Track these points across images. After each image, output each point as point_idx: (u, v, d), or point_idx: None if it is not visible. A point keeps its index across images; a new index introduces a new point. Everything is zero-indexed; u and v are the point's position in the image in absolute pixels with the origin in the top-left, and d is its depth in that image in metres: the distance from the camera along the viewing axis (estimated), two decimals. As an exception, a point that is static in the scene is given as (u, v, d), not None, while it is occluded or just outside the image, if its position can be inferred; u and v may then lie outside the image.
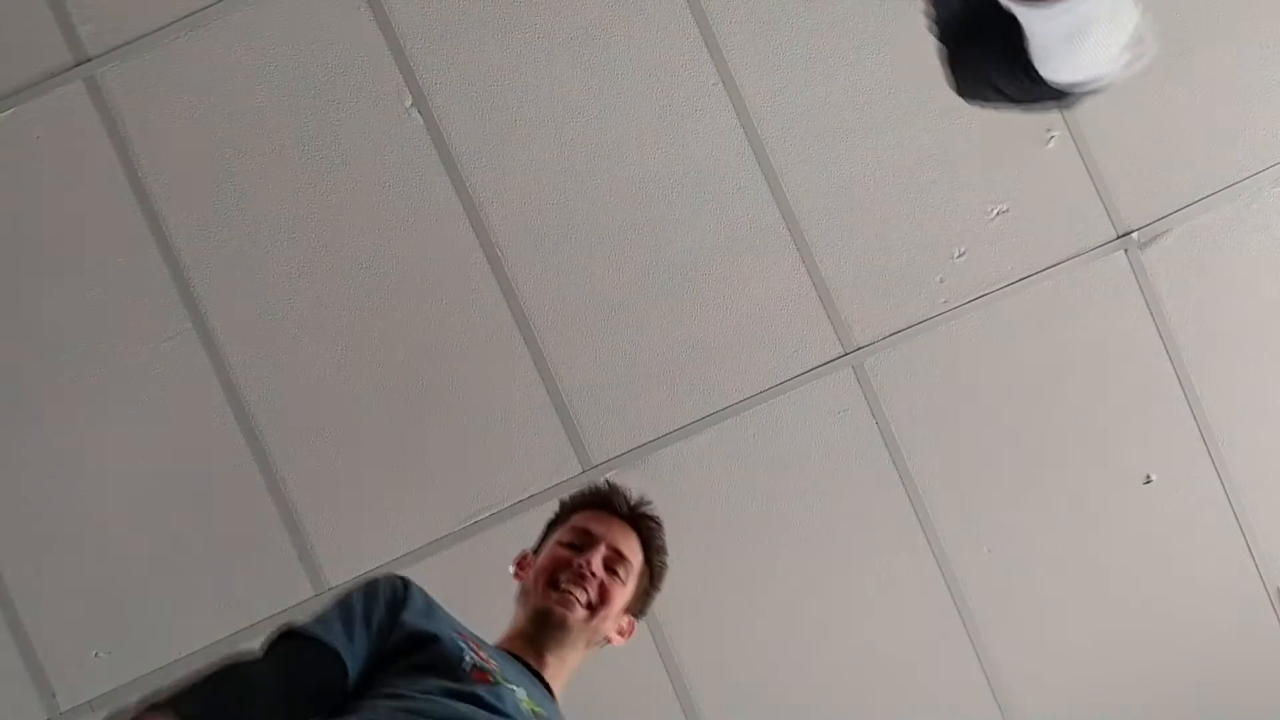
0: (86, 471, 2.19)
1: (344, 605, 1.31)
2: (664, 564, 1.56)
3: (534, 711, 1.31)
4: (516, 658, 1.41)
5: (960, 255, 2.21)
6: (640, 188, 2.20)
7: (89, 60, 2.17)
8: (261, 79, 2.19)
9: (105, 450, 2.19)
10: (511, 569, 1.53)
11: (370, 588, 1.36)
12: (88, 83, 2.17)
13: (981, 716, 2.23)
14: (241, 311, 2.20)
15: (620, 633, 1.50)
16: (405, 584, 1.37)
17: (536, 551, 1.53)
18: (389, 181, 2.20)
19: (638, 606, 1.53)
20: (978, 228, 2.21)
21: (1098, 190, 2.21)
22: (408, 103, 2.19)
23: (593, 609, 1.43)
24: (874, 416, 2.22)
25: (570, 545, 1.47)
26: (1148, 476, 2.23)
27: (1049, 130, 2.20)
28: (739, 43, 2.20)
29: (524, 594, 1.48)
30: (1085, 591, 2.24)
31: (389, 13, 2.18)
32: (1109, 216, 2.21)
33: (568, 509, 1.56)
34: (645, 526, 1.53)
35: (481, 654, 1.32)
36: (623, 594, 1.47)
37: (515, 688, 1.31)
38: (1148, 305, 2.21)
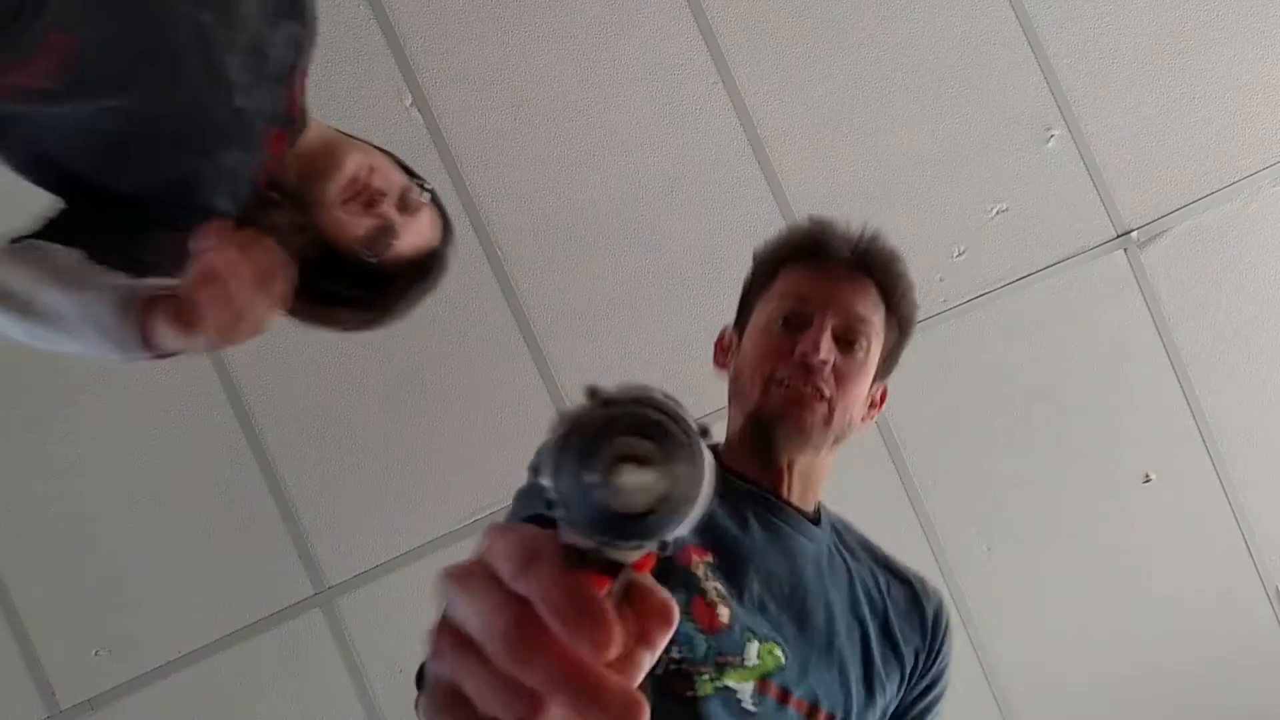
0: (86, 471, 2.19)
1: None
2: (913, 304, 1.14)
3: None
4: (748, 488, 1.07)
5: (960, 254, 2.21)
6: (640, 187, 2.20)
7: (89, 60, 2.17)
8: (261, 79, 2.19)
9: (105, 450, 2.19)
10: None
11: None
12: (88, 82, 2.17)
13: (981, 716, 2.23)
14: (241, 311, 2.20)
15: (872, 406, 1.14)
16: None
17: (738, 326, 1.15)
18: (389, 181, 2.20)
19: (886, 367, 1.14)
20: (978, 227, 2.21)
21: (1097, 189, 2.21)
22: (408, 102, 2.19)
23: (831, 405, 1.06)
24: (874, 416, 2.22)
25: (785, 321, 1.09)
26: (1147, 476, 2.23)
27: (1049, 129, 2.20)
28: (739, 42, 2.20)
29: (736, 391, 1.12)
30: (1085, 591, 2.23)
31: (389, 12, 2.19)
32: (1109, 216, 2.21)
33: (769, 265, 1.14)
34: (878, 266, 1.10)
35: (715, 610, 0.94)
36: (866, 370, 1.09)
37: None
38: (1147, 304, 2.21)
